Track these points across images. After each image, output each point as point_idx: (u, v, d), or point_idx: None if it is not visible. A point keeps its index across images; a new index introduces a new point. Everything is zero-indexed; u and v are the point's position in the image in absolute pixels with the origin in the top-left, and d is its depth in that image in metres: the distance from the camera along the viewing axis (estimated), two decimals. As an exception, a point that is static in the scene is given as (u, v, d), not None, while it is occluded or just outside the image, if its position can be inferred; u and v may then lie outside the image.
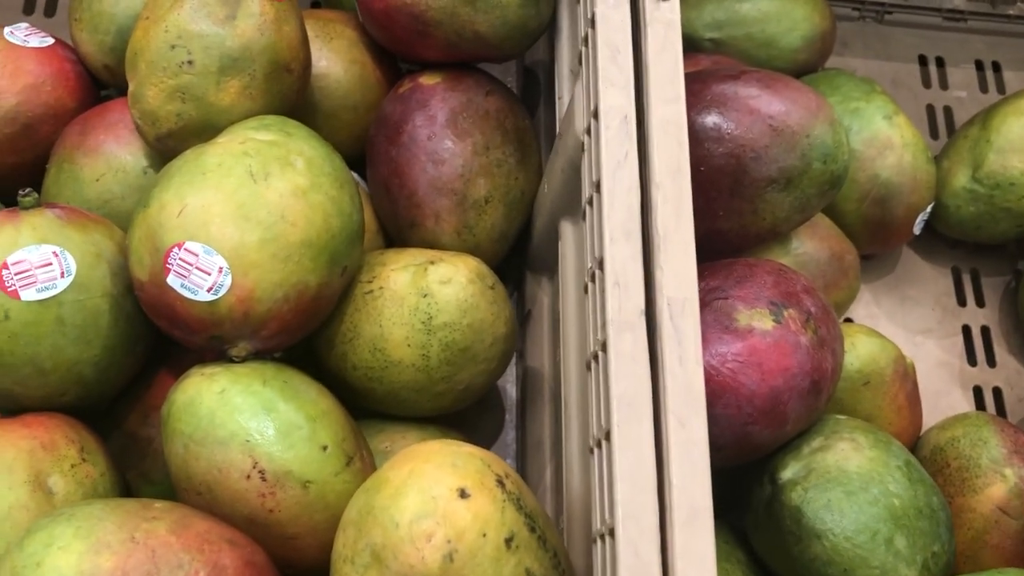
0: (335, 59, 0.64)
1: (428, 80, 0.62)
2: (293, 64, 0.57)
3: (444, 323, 0.53)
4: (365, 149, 0.64)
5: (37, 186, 0.62)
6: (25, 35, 0.63)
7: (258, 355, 0.51)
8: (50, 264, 0.48)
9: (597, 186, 0.44)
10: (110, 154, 0.59)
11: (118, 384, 0.53)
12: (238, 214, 0.48)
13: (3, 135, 0.61)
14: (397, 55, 0.65)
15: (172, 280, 0.47)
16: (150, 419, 0.55)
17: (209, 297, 0.47)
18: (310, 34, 0.62)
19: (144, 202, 0.50)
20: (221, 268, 0.47)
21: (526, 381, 0.65)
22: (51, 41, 0.64)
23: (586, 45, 0.48)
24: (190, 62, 0.54)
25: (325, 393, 0.51)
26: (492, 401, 0.66)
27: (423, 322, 0.53)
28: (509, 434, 0.66)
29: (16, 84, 0.61)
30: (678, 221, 0.42)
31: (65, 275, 0.48)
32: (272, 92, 0.56)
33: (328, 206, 0.51)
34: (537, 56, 0.74)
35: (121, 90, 0.65)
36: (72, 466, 0.48)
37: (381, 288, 0.55)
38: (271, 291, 0.48)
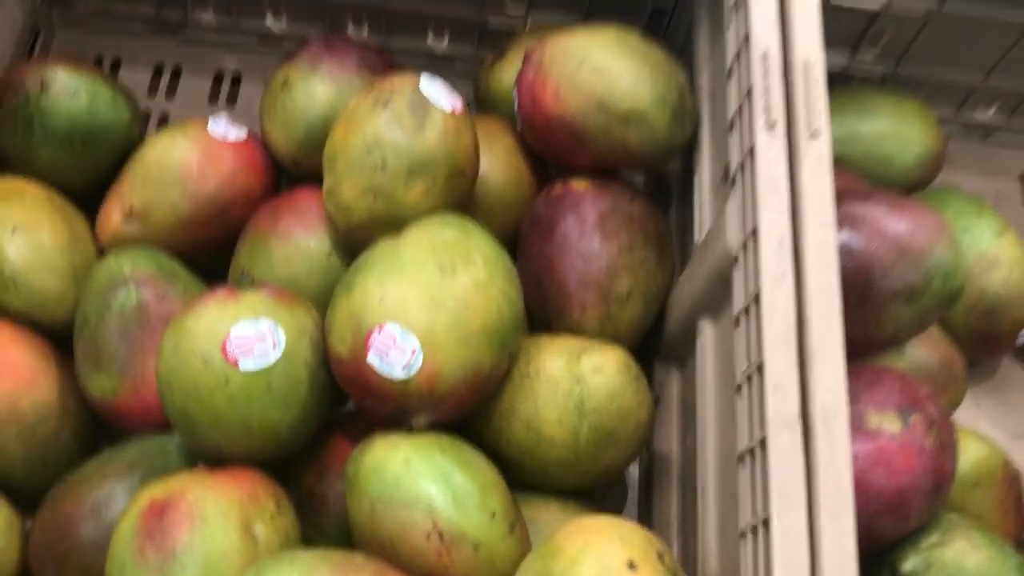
0: (495, 162, 0.71)
1: (578, 185, 0.69)
2: (468, 169, 0.65)
3: (594, 408, 0.59)
4: (516, 243, 0.71)
5: (224, 260, 0.71)
6: (225, 127, 0.72)
7: (432, 426, 0.57)
8: (265, 338, 0.55)
9: (756, 298, 0.50)
10: (299, 238, 0.67)
11: (302, 444, 0.60)
12: (430, 303, 0.55)
13: (203, 215, 0.70)
14: (548, 161, 0.73)
15: (372, 358, 0.54)
16: (326, 478, 0.61)
17: (403, 374, 0.54)
18: (475, 139, 0.69)
19: (347, 287, 0.57)
20: (414, 349, 0.54)
21: (652, 463, 0.70)
22: (245, 133, 0.73)
23: (742, 171, 0.55)
24: (383, 165, 0.62)
25: (490, 464, 0.57)
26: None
27: (576, 405, 0.59)
28: (631, 511, 0.71)
29: (216, 171, 0.70)
30: (830, 334, 0.48)
31: (276, 347, 0.55)
32: (450, 193, 0.63)
33: (501, 297, 0.58)
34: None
35: (297, 177, 0.73)
36: (271, 516, 0.55)
37: (537, 372, 0.61)
38: (453, 371, 0.55)
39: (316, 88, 0.72)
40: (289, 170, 0.74)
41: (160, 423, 0.64)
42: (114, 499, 0.60)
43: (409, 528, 0.52)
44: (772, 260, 0.50)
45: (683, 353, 0.67)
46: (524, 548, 0.55)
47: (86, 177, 0.72)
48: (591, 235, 0.66)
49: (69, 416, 0.65)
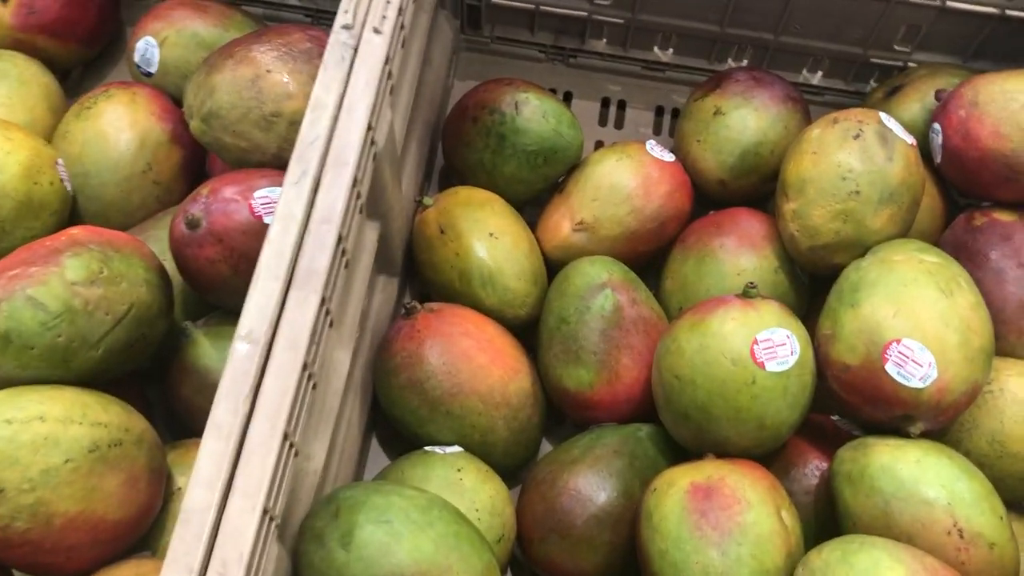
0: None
1: (1004, 216, 0.73)
2: (920, 197, 0.70)
3: (1066, 426, 0.64)
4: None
5: (650, 268, 0.78)
6: (659, 151, 0.79)
7: (924, 434, 0.62)
8: (785, 344, 0.61)
9: None
10: (747, 254, 0.73)
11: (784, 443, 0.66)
12: (940, 320, 0.60)
13: (644, 230, 0.77)
14: (964, 193, 0.77)
15: (890, 367, 0.60)
16: (791, 474, 0.67)
17: (919, 384, 0.60)
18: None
19: (852, 302, 0.63)
20: (930, 363, 0.59)
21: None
22: (672, 158, 0.80)
23: None
24: (857, 192, 0.67)
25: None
26: None
27: (1048, 423, 0.64)
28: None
29: (658, 191, 0.77)
30: None
31: (794, 353, 0.62)
32: (907, 219, 0.69)
33: (989, 320, 0.63)
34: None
35: (716, 200, 0.80)
36: (788, 504, 0.61)
37: (1002, 390, 0.66)
38: (959, 385, 0.60)
39: (749, 117, 0.78)
40: (712, 192, 0.81)
41: (623, 414, 0.72)
42: (609, 480, 0.66)
43: (929, 524, 0.57)
44: None
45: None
46: (1018, 552, 0.60)
47: (533, 189, 0.80)
48: (1029, 264, 0.71)
49: (539, 404, 0.73)
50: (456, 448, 0.69)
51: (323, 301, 0.52)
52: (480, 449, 0.70)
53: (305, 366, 0.51)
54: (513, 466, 0.72)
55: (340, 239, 0.54)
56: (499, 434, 0.70)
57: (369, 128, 0.57)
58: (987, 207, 0.75)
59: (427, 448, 0.69)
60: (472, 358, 0.69)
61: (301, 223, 0.52)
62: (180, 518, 0.46)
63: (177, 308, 0.71)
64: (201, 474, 0.47)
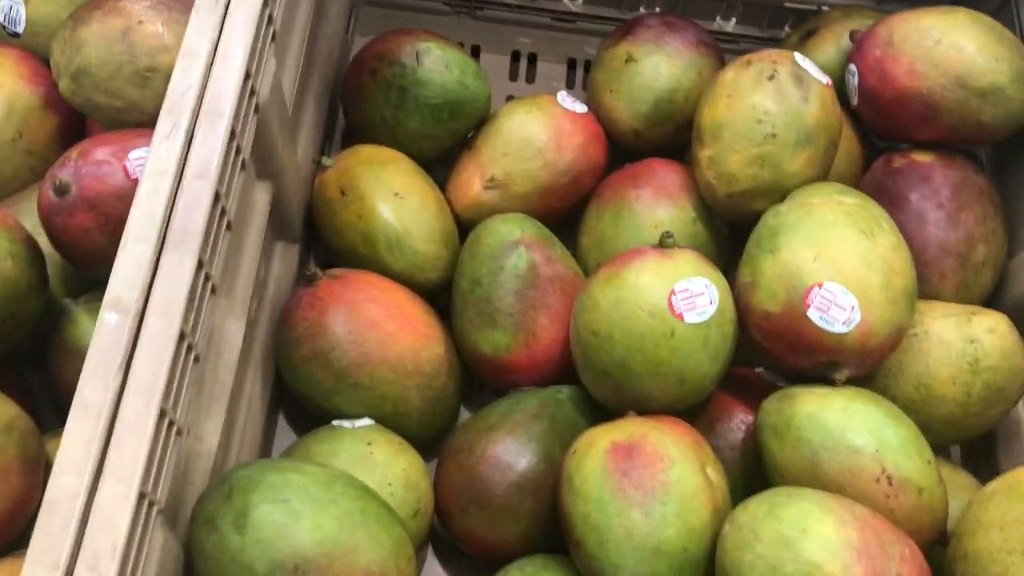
0: (834, 135, 0.74)
1: (922, 157, 0.72)
2: (838, 139, 0.68)
3: (989, 366, 0.62)
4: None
5: (565, 226, 0.75)
6: (571, 102, 0.76)
7: (848, 381, 0.60)
8: (704, 293, 0.59)
9: None
10: (664, 206, 0.70)
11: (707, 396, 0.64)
12: (862, 263, 0.58)
13: (558, 185, 0.74)
14: (882, 133, 0.75)
15: (812, 313, 0.58)
16: (715, 429, 0.64)
17: (842, 329, 0.57)
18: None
19: (771, 248, 0.60)
20: (853, 306, 0.57)
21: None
22: (585, 109, 0.76)
23: None
24: (773, 135, 0.65)
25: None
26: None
27: (970, 364, 0.63)
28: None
29: (571, 144, 0.74)
30: None
31: (712, 303, 0.59)
32: (825, 162, 0.67)
33: (910, 259, 0.61)
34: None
35: (631, 151, 0.77)
36: (713, 460, 0.58)
37: (926, 332, 0.64)
38: (883, 327, 0.58)
39: (662, 64, 0.75)
40: (626, 143, 0.77)
41: (543, 377, 0.68)
42: (529, 445, 0.63)
43: (858, 472, 0.55)
44: None
45: None
46: (946, 496, 0.58)
47: (440, 146, 0.76)
48: (948, 205, 0.69)
49: (454, 371, 0.69)
50: (366, 421, 0.65)
51: (200, 264, 0.47)
52: (392, 421, 0.66)
53: (183, 335, 0.46)
54: (430, 437, 0.69)
55: (218, 196, 0.49)
56: (412, 404, 0.66)
57: (248, 77, 0.53)
58: (906, 148, 0.74)
59: (335, 422, 0.65)
60: (380, 326, 0.65)
61: (173, 180, 0.47)
62: (42, 509, 0.41)
63: (58, 285, 0.66)
64: (67, 459, 0.42)
